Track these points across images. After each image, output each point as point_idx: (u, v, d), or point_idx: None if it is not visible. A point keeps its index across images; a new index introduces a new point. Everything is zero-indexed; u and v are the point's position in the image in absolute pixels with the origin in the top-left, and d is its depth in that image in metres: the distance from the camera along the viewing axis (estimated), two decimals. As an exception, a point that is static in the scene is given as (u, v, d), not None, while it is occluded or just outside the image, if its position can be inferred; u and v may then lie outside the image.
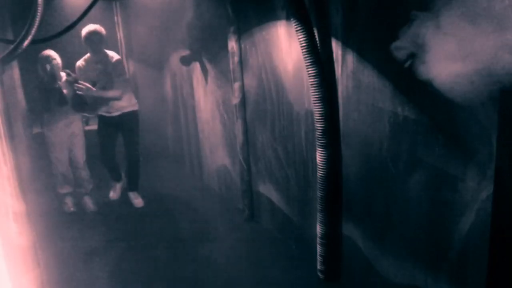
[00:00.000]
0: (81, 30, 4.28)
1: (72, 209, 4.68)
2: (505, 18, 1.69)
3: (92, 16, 4.53)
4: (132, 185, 4.87)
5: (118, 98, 4.42)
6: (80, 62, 4.47)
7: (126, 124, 4.62)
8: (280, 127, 3.60)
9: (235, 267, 3.54)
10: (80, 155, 4.61)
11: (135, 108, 4.67)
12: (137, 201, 4.83)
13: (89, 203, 4.74)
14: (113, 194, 5.01)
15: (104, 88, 4.38)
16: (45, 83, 4.28)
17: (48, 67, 4.25)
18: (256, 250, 3.79)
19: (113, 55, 4.42)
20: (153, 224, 4.36)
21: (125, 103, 4.52)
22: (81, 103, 4.36)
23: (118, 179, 5.01)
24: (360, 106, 2.68)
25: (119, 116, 4.54)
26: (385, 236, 2.68)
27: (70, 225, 4.36)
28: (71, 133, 4.49)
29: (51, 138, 4.43)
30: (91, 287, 3.36)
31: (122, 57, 5.83)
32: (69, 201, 4.71)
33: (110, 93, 4.39)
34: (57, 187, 4.63)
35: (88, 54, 4.44)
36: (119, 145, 4.82)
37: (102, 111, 4.58)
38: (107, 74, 4.36)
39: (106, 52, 4.42)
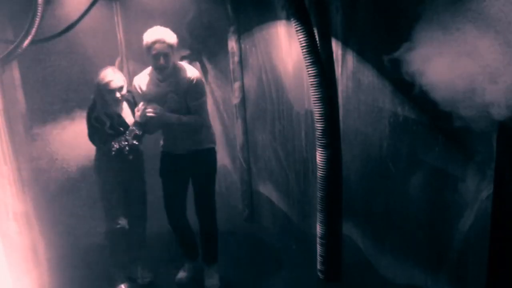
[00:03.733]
0: (83, 30, 3.99)
1: None
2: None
3: (92, 16, 4.54)
4: (208, 255, 3.31)
5: (200, 127, 3.11)
6: (139, 79, 3.09)
7: (200, 167, 3.21)
8: (280, 127, 3.60)
9: (235, 267, 3.54)
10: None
11: (213, 144, 3.30)
12: (212, 281, 3.29)
13: None
14: (183, 275, 3.41)
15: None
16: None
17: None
18: (256, 250, 3.78)
19: (191, 72, 3.04)
20: None
21: (201, 136, 3.15)
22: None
23: (195, 255, 3.42)
24: (360, 106, 2.68)
25: (192, 155, 3.13)
26: (385, 236, 2.68)
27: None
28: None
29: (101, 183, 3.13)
30: (92, 286, 3.36)
31: (122, 57, 5.83)
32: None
33: (193, 120, 3.05)
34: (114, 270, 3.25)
35: (150, 68, 3.06)
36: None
37: (167, 147, 3.20)
38: (178, 96, 3.01)
39: (178, 67, 3.02)
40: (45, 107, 5.15)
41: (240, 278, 3.41)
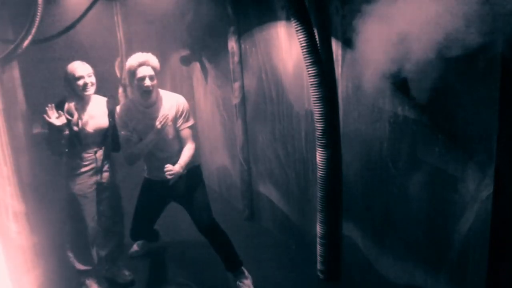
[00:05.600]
0: (81, 32, 3.99)
1: None
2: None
3: (92, 16, 4.54)
4: (229, 262, 3.23)
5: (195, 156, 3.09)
6: (122, 109, 3.02)
7: (188, 189, 3.12)
8: (280, 127, 3.60)
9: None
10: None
11: (197, 162, 3.25)
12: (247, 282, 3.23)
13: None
14: (136, 248, 3.80)
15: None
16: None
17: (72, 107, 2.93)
18: (256, 250, 3.78)
19: (177, 98, 3.06)
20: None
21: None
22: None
23: (154, 239, 3.79)
24: (360, 106, 2.67)
25: (177, 180, 2.95)
26: (385, 236, 2.68)
27: None
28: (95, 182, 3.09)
29: (72, 189, 3.04)
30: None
31: (121, 57, 5.83)
32: (92, 283, 3.27)
33: (192, 152, 3.03)
34: (74, 262, 3.21)
35: (131, 99, 3.08)
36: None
37: (150, 174, 3.19)
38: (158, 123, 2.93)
39: (158, 92, 3.00)
40: (45, 107, 5.15)
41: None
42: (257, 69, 3.76)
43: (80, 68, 2.90)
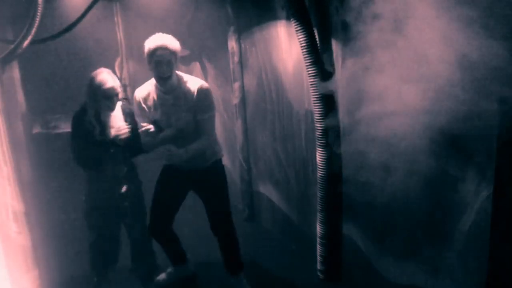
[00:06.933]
0: (84, 31, 3.92)
1: None
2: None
3: (92, 16, 4.53)
4: (231, 264, 3.18)
5: (207, 147, 2.89)
6: (141, 92, 2.86)
7: (208, 183, 2.99)
8: (280, 127, 3.60)
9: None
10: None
11: (219, 156, 3.01)
12: None
13: None
14: (162, 277, 3.32)
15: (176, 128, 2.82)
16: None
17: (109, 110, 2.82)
18: (256, 250, 3.78)
19: (199, 83, 2.80)
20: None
21: (205, 154, 2.89)
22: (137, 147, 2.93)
23: (180, 260, 3.31)
24: (360, 106, 2.67)
25: (197, 172, 2.92)
26: (385, 236, 2.68)
27: None
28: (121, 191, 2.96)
29: (91, 202, 2.93)
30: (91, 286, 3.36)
31: (122, 57, 5.83)
32: None
33: (204, 143, 2.84)
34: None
35: (152, 80, 2.83)
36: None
37: (170, 161, 2.96)
38: (186, 111, 2.78)
39: (183, 78, 2.79)
40: (45, 107, 5.15)
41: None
42: (257, 69, 3.76)
43: (112, 90, 2.72)
